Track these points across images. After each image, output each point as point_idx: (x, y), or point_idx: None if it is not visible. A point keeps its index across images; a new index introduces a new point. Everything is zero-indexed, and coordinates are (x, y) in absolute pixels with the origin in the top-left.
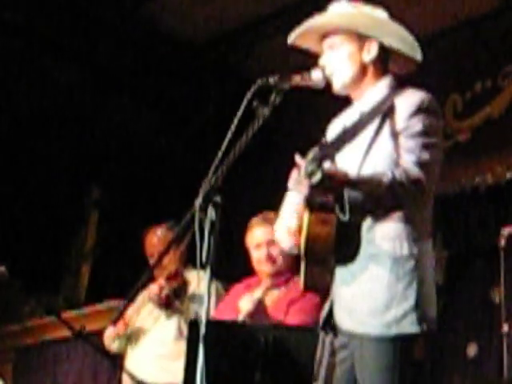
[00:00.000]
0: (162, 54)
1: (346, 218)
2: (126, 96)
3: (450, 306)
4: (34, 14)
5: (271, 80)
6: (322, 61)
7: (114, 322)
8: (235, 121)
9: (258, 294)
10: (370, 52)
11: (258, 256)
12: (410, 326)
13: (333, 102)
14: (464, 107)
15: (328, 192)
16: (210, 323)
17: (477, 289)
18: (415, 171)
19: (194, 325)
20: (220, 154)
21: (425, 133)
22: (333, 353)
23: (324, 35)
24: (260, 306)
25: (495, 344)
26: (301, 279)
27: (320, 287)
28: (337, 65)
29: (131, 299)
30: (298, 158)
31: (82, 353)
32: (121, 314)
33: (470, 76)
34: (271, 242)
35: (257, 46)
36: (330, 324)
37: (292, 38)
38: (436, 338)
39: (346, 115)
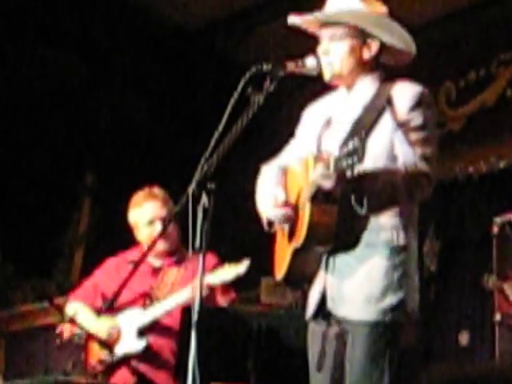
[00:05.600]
0: (156, 40)
1: (363, 211)
2: (119, 82)
3: (442, 294)
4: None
5: (265, 67)
6: (320, 49)
7: (106, 309)
8: (229, 107)
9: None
10: (371, 50)
11: (150, 233)
12: (403, 314)
13: (326, 86)
14: (458, 95)
15: (348, 184)
16: (203, 309)
17: (469, 277)
18: (423, 165)
19: (186, 311)
20: (214, 140)
21: (426, 126)
22: (337, 341)
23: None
24: (211, 293)
25: (487, 332)
26: (283, 266)
27: (305, 275)
28: (336, 57)
29: (123, 286)
30: (325, 154)
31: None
32: (112, 301)
33: (464, 64)
34: (163, 218)
35: (251, 33)
36: (323, 312)
37: (291, 22)
38: (428, 325)
39: (332, 102)
